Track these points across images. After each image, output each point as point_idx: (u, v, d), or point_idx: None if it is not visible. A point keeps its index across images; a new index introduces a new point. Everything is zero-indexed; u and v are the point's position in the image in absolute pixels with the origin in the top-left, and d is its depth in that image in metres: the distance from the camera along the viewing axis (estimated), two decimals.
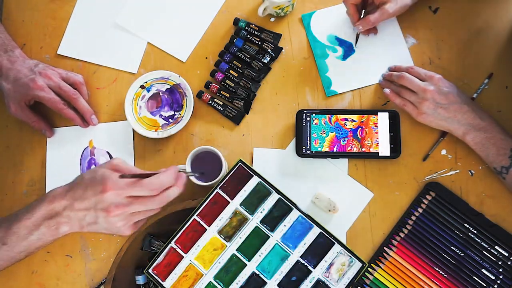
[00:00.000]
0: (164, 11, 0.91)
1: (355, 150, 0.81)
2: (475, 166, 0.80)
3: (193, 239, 0.73)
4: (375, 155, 0.80)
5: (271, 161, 0.83)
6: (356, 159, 0.82)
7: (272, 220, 0.73)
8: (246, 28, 0.88)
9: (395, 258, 0.78)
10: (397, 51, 0.85)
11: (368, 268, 0.78)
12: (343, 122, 0.82)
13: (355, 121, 0.82)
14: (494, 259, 0.76)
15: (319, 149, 0.81)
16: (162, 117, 0.85)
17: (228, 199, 0.74)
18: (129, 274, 0.78)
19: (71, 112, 0.83)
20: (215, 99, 0.86)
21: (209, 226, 0.73)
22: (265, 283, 0.71)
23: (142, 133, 0.84)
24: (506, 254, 0.76)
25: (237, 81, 0.86)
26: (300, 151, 0.81)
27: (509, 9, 0.85)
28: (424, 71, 0.78)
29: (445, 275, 0.77)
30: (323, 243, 0.72)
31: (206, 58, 0.89)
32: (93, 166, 0.85)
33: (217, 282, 0.72)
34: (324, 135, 0.82)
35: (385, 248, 0.79)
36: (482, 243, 0.77)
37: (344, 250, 0.72)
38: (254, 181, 0.75)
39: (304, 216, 0.73)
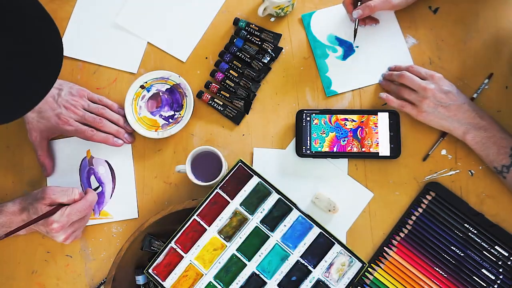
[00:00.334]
0: (164, 11, 0.91)
1: (355, 150, 0.81)
2: (475, 166, 0.80)
3: (193, 239, 0.73)
4: (375, 155, 0.80)
5: (271, 161, 0.83)
6: (356, 159, 0.82)
7: (272, 220, 0.73)
8: (246, 28, 0.88)
9: (395, 258, 0.78)
10: (397, 51, 0.85)
11: (368, 268, 0.78)
12: (343, 122, 0.82)
13: (355, 121, 0.82)
14: (494, 259, 0.76)
15: (319, 149, 0.81)
16: (162, 117, 0.85)
17: (228, 199, 0.74)
18: (129, 274, 0.78)
19: (101, 136, 0.82)
20: (215, 99, 0.86)
21: (209, 226, 0.73)
22: (265, 283, 0.71)
23: (142, 133, 0.84)
24: (506, 254, 0.76)
25: (237, 81, 0.86)
26: (300, 151, 0.81)
27: (508, 9, 0.85)
28: (424, 70, 0.78)
29: (445, 275, 0.77)
30: (323, 243, 0.72)
31: (206, 58, 0.89)
32: (92, 177, 0.85)
33: (217, 282, 0.72)
34: (324, 135, 0.82)
35: (385, 248, 0.79)
36: (482, 243, 0.77)
37: (344, 250, 0.72)
38: (254, 181, 0.75)
39: (304, 216, 0.73)
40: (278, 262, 0.72)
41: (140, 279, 0.78)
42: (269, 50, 0.86)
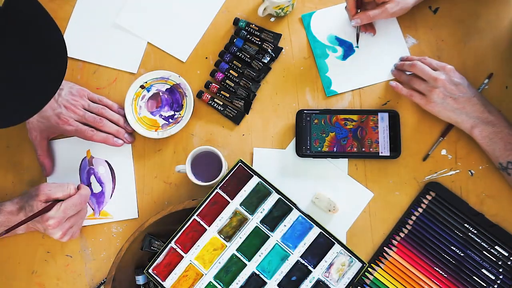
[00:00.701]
0: (164, 11, 0.91)
1: (355, 150, 0.81)
2: (475, 166, 0.80)
3: (193, 239, 0.73)
4: (375, 155, 0.80)
5: (271, 161, 0.83)
6: (356, 159, 0.82)
7: (272, 220, 0.73)
8: (246, 28, 0.88)
9: (395, 258, 0.78)
10: (397, 51, 0.85)
11: (368, 268, 0.78)
12: (343, 122, 0.82)
13: (355, 121, 0.82)
14: (494, 259, 0.76)
15: (319, 149, 0.81)
16: (162, 117, 0.85)
17: (228, 199, 0.74)
18: (129, 274, 0.78)
19: (101, 136, 0.82)
20: (215, 99, 0.86)
21: (209, 226, 0.73)
22: (265, 283, 0.71)
23: (142, 133, 0.84)
24: (506, 254, 0.76)
25: (237, 81, 0.86)
26: (300, 151, 0.81)
27: (509, 9, 0.85)
28: (436, 62, 0.78)
29: (445, 275, 0.77)
30: (323, 243, 0.72)
31: (206, 58, 0.89)
32: (92, 176, 0.85)
33: (217, 282, 0.72)
34: (324, 135, 0.82)
35: (385, 248, 0.79)
36: (482, 243, 0.77)
37: (344, 250, 0.72)
38: (254, 181, 0.75)
39: (304, 216, 0.73)
40: (278, 262, 0.72)
41: (140, 279, 0.78)
42: (269, 50, 0.86)
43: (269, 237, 0.73)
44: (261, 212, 0.73)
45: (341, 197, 0.80)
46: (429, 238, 0.78)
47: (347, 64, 0.86)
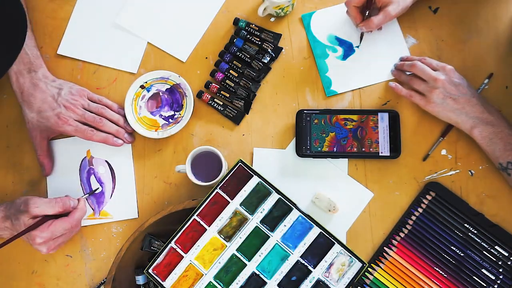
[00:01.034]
0: (164, 11, 0.91)
1: (355, 150, 0.81)
2: (475, 166, 0.80)
3: (193, 239, 0.73)
4: (375, 155, 0.80)
5: (271, 161, 0.83)
6: (356, 159, 0.82)
7: (272, 220, 0.73)
8: (246, 28, 0.88)
9: (395, 258, 0.78)
10: (397, 51, 0.85)
11: (368, 268, 0.78)
12: (343, 122, 0.82)
13: (355, 121, 0.82)
14: (494, 259, 0.76)
15: (319, 149, 0.81)
16: (162, 117, 0.85)
17: (228, 199, 0.74)
18: (129, 274, 0.78)
19: (101, 136, 0.82)
20: (215, 99, 0.86)
21: (209, 226, 0.73)
22: (265, 283, 0.71)
23: (142, 133, 0.84)
24: (506, 254, 0.76)
25: (237, 81, 0.86)
26: (300, 151, 0.81)
27: (509, 9, 0.85)
28: (436, 62, 0.79)
29: (445, 275, 0.77)
30: (323, 243, 0.72)
31: (206, 58, 0.89)
32: (92, 176, 0.85)
33: (217, 282, 0.72)
34: (324, 135, 0.82)
35: (385, 248, 0.79)
36: (482, 243, 0.77)
37: (344, 250, 0.72)
38: (254, 181, 0.75)
39: (304, 216, 0.73)
40: (278, 262, 0.72)
41: (140, 279, 0.78)
42: (269, 50, 0.86)
43: (269, 237, 0.73)
44: (261, 212, 0.73)
45: (341, 197, 0.80)
46: (429, 238, 0.78)
47: (347, 64, 0.86)
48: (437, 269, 0.77)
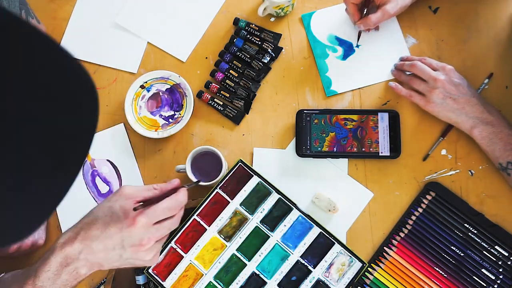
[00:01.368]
0: (164, 11, 0.91)
1: (355, 150, 0.81)
2: (475, 166, 0.80)
3: (193, 239, 0.73)
4: (375, 155, 0.80)
5: (271, 161, 0.83)
6: (356, 159, 0.82)
7: (272, 220, 0.73)
8: (246, 28, 0.88)
9: (395, 258, 0.78)
10: (397, 51, 0.85)
11: (368, 268, 0.78)
12: (343, 122, 0.82)
13: (355, 121, 0.82)
14: (494, 259, 0.76)
15: (319, 149, 0.81)
16: (162, 117, 0.85)
17: (228, 199, 0.74)
18: (129, 274, 0.78)
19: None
20: (215, 99, 0.86)
21: (209, 226, 0.73)
22: (265, 283, 0.71)
23: (142, 133, 0.84)
24: (506, 254, 0.76)
25: (237, 81, 0.86)
26: (300, 151, 0.81)
27: (508, 9, 0.85)
28: (436, 62, 0.79)
29: (445, 275, 0.77)
30: (323, 243, 0.72)
31: (206, 58, 0.89)
32: (97, 178, 0.85)
33: (217, 282, 0.72)
34: (324, 135, 0.82)
35: (385, 248, 0.79)
36: (482, 243, 0.77)
37: (344, 250, 0.72)
38: (254, 181, 0.75)
39: (304, 216, 0.73)
40: (278, 262, 0.72)
41: (140, 279, 0.78)
42: (269, 50, 0.86)
43: (269, 237, 0.73)
44: (261, 212, 0.73)
45: (341, 197, 0.80)
46: (429, 238, 0.78)
47: (347, 64, 0.86)
48: (437, 269, 0.77)
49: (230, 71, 0.87)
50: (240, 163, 0.75)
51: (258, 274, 0.72)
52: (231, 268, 0.72)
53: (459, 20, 0.86)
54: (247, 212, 0.74)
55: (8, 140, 0.28)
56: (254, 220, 0.73)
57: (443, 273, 0.77)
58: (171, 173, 0.84)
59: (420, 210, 0.79)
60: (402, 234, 0.79)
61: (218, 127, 0.86)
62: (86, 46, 0.90)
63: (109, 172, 0.85)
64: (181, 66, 0.88)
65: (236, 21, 0.88)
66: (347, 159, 0.82)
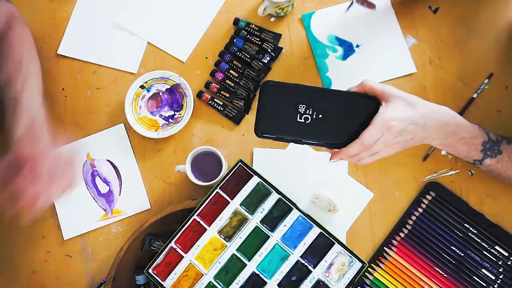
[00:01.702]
0: (164, 11, 0.91)
1: None
2: (475, 166, 0.80)
3: (193, 239, 0.73)
4: None
5: (271, 161, 0.83)
6: None
7: (272, 220, 0.73)
8: (246, 28, 0.88)
9: (395, 258, 0.78)
10: (397, 51, 0.85)
11: (368, 268, 0.78)
12: None
13: None
14: (494, 259, 0.76)
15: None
16: (162, 117, 0.85)
17: (228, 199, 0.74)
18: (129, 274, 0.78)
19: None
20: (215, 99, 0.86)
21: (209, 226, 0.73)
22: (265, 283, 0.71)
23: (142, 133, 0.84)
24: (506, 254, 0.76)
25: (237, 81, 0.86)
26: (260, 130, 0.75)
27: (508, 9, 0.85)
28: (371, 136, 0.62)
29: (445, 275, 0.77)
30: (323, 243, 0.72)
31: (206, 58, 0.89)
32: (97, 178, 0.85)
33: (217, 282, 0.72)
34: None
35: (385, 248, 0.79)
36: (482, 243, 0.77)
37: (344, 250, 0.72)
38: (254, 181, 0.75)
39: (304, 216, 0.73)
40: (278, 262, 0.72)
41: (140, 279, 0.78)
42: (269, 50, 0.86)
43: (269, 237, 0.73)
44: (261, 212, 0.73)
45: (341, 197, 0.80)
46: (429, 238, 0.78)
47: (347, 64, 0.86)
48: (437, 269, 0.77)
49: (230, 71, 0.87)
50: (240, 163, 0.75)
51: (258, 274, 0.72)
52: (231, 268, 0.72)
53: (459, 20, 0.86)
54: (247, 212, 0.74)
55: None
56: (254, 220, 0.73)
57: (443, 273, 0.77)
58: (171, 173, 0.84)
59: (420, 210, 0.79)
60: (402, 234, 0.79)
61: (218, 127, 0.86)
62: (86, 46, 0.90)
63: (109, 172, 0.85)
64: (181, 66, 0.88)
65: (236, 21, 0.88)
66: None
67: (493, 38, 0.84)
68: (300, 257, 0.72)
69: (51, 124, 0.88)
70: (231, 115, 0.85)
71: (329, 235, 0.72)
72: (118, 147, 0.86)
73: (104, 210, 0.84)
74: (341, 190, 0.81)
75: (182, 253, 0.73)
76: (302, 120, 0.60)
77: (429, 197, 0.79)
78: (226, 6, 0.90)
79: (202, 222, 0.73)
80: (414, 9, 0.85)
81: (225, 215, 0.74)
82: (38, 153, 0.66)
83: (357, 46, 0.86)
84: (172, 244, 0.73)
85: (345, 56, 0.86)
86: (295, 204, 0.73)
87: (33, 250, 0.84)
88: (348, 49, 0.87)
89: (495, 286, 0.76)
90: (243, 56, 0.86)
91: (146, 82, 0.86)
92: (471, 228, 0.77)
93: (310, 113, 0.61)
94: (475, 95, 0.81)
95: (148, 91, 0.86)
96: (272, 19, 0.89)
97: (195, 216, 0.74)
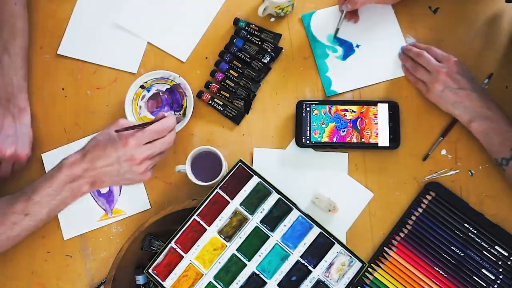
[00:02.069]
0: (164, 11, 0.91)
1: (354, 140, 0.81)
2: (475, 166, 0.80)
3: (193, 239, 0.73)
4: (375, 146, 0.80)
5: (271, 161, 0.83)
6: (356, 150, 0.82)
7: (272, 220, 0.73)
8: (246, 28, 0.88)
9: (395, 258, 0.78)
10: (397, 51, 0.85)
11: (368, 268, 0.78)
12: (343, 113, 0.82)
13: (354, 111, 0.82)
14: (494, 259, 0.76)
15: (319, 139, 0.81)
16: None
17: (228, 199, 0.74)
18: (129, 274, 0.78)
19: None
20: (215, 99, 0.86)
21: (209, 226, 0.73)
22: (265, 283, 0.71)
23: None
24: (506, 254, 0.76)
25: (237, 81, 0.86)
26: (300, 142, 0.81)
27: (509, 9, 0.85)
28: (441, 53, 0.79)
29: (445, 275, 0.77)
30: (323, 243, 0.72)
31: (206, 58, 0.89)
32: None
33: (217, 282, 0.72)
34: (323, 125, 0.82)
35: (385, 248, 0.79)
36: (482, 243, 0.77)
37: (344, 250, 0.72)
38: (254, 181, 0.75)
39: (304, 216, 0.73)
40: (278, 262, 0.72)
41: (140, 279, 0.78)
42: (269, 50, 0.86)
43: (269, 237, 0.73)
44: (261, 212, 0.73)
45: (341, 197, 0.80)
46: (429, 238, 0.78)
47: (347, 64, 0.86)
48: (437, 269, 0.77)
49: (230, 71, 0.87)
50: (240, 163, 0.75)
51: (258, 274, 0.72)
52: (231, 268, 0.72)
53: (459, 20, 0.86)
54: (247, 212, 0.74)
55: None
56: (254, 220, 0.73)
57: (443, 273, 0.77)
58: (171, 173, 0.84)
59: (420, 210, 0.79)
60: (402, 234, 0.79)
61: (218, 127, 0.86)
62: (86, 46, 0.90)
63: None
64: (181, 66, 0.88)
65: (236, 21, 0.88)
66: (347, 159, 0.82)
67: (493, 38, 0.84)
68: (300, 257, 0.72)
69: (51, 124, 0.88)
70: (231, 115, 0.85)
71: (329, 235, 0.72)
72: None
73: (104, 210, 0.84)
74: (341, 190, 0.81)
75: (182, 253, 0.73)
76: None
77: (429, 197, 0.79)
78: (226, 6, 0.90)
79: (202, 222, 0.73)
80: (414, 9, 0.85)
81: (225, 215, 0.74)
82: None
83: (357, 46, 0.86)
84: (172, 244, 0.73)
85: (345, 56, 0.86)
86: (295, 204, 0.73)
87: (33, 250, 0.84)
88: (348, 49, 0.87)
89: (495, 286, 0.76)
90: (243, 56, 0.86)
91: (146, 82, 0.86)
92: (471, 228, 0.77)
93: None
94: None
95: (148, 91, 0.86)
96: (272, 19, 0.89)
97: (195, 216, 0.74)
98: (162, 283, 0.72)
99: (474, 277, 0.76)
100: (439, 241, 0.78)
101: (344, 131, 0.81)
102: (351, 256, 0.72)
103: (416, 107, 0.83)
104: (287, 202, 0.74)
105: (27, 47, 0.86)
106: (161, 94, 0.86)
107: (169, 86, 0.86)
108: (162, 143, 0.73)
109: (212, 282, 0.72)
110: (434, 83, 0.77)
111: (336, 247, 0.72)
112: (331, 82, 0.85)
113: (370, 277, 0.78)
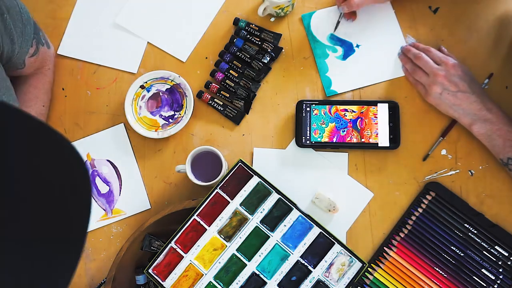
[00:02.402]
0: (164, 11, 0.91)
1: (354, 140, 0.81)
2: (475, 166, 0.80)
3: (193, 239, 0.73)
4: (375, 146, 0.80)
5: (271, 161, 0.83)
6: (356, 150, 0.82)
7: (272, 220, 0.73)
8: (246, 28, 0.88)
9: (395, 258, 0.78)
10: (397, 51, 0.85)
11: (368, 268, 0.78)
12: (343, 113, 0.82)
13: (354, 111, 0.82)
14: (494, 259, 0.76)
15: (319, 139, 0.81)
16: (162, 117, 0.85)
17: (228, 199, 0.74)
18: (129, 274, 0.78)
19: None
20: (215, 99, 0.86)
21: (209, 226, 0.73)
22: (265, 283, 0.71)
23: (142, 133, 0.84)
24: (506, 254, 0.76)
25: (237, 81, 0.86)
26: (300, 142, 0.81)
27: (509, 9, 0.85)
28: (440, 55, 0.79)
29: (445, 275, 0.77)
30: (323, 243, 0.72)
31: (206, 58, 0.89)
32: (97, 178, 0.85)
33: (217, 282, 0.72)
34: (324, 125, 0.82)
35: (385, 248, 0.79)
36: (482, 243, 0.77)
37: (344, 250, 0.72)
38: (254, 181, 0.75)
39: (304, 216, 0.73)
40: (278, 262, 0.72)
41: (140, 279, 0.78)
42: (269, 50, 0.86)
43: (269, 237, 0.73)
44: (261, 212, 0.73)
45: (341, 197, 0.80)
46: (429, 238, 0.78)
47: (347, 64, 0.86)
48: (437, 269, 0.77)
49: (230, 71, 0.87)
50: (240, 163, 0.75)
51: (258, 274, 0.72)
52: (231, 268, 0.72)
53: (459, 20, 0.86)
54: (247, 212, 0.74)
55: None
56: (254, 220, 0.73)
57: (443, 273, 0.77)
58: (171, 173, 0.84)
59: (420, 210, 0.79)
60: (402, 234, 0.79)
61: (218, 127, 0.86)
62: (86, 46, 0.90)
63: (109, 172, 0.85)
64: (181, 66, 0.88)
65: (236, 21, 0.88)
66: (347, 158, 0.82)
67: (493, 38, 0.84)
68: (300, 257, 0.72)
69: (51, 124, 0.88)
70: (231, 115, 0.85)
71: (329, 235, 0.72)
72: (118, 147, 0.86)
73: (104, 210, 0.84)
74: (341, 190, 0.81)
75: (182, 253, 0.73)
76: None
77: (429, 197, 0.79)
78: (226, 6, 0.90)
79: (202, 222, 0.73)
80: (414, 9, 0.85)
81: (225, 215, 0.74)
82: None
83: (357, 46, 0.86)
84: (172, 244, 0.73)
85: (345, 56, 0.86)
86: (295, 204, 0.73)
87: None
88: (348, 49, 0.87)
89: (495, 286, 0.76)
90: (243, 56, 0.86)
91: (146, 82, 0.86)
92: (471, 228, 0.77)
93: None
94: None
95: (148, 91, 0.86)
96: (272, 19, 0.89)
97: (195, 216, 0.74)
98: (162, 283, 0.72)
99: (474, 277, 0.76)
100: (439, 241, 0.78)
101: (344, 131, 0.81)
102: (351, 256, 0.72)
103: (416, 107, 0.83)
104: (287, 202, 0.74)
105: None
106: (161, 94, 0.86)
107: (169, 86, 0.86)
108: None
109: (212, 282, 0.72)
110: (432, 85, 0.77)
111: (336, 247, 0.72)
112: (331, 82, 0.85)
113: (370, 277, 0.78)
